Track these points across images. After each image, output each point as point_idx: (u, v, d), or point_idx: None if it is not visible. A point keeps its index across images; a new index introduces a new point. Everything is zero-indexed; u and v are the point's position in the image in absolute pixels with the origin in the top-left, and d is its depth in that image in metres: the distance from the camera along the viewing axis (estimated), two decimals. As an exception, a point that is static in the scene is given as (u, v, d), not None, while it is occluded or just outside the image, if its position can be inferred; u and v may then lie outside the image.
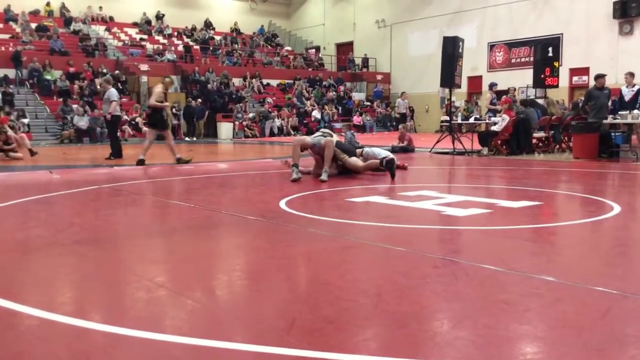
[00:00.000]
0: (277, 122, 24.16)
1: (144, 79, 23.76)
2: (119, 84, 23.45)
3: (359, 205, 5.87)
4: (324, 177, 7.67)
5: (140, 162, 10.61)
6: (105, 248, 4.14)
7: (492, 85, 15.75)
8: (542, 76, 14.00)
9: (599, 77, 11.93)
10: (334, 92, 28.65)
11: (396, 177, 8.01)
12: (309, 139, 8.31)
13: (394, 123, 25.48)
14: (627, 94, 11.74)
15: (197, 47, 29.26)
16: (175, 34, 30.13)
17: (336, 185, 7.40)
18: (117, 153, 12.56)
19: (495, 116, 13.76)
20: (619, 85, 12.48)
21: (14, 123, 18.03)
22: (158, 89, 10.92)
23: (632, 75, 11.76)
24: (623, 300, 2.78)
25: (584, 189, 7.36)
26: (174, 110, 22.28)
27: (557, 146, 13.26)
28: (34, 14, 26.71)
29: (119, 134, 20.71)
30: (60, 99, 20.97)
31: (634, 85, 11.74)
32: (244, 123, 23.56)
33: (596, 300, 2.79)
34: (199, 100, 23.38)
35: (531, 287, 2.98)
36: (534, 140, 13.01)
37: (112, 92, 12.51)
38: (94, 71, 23.35)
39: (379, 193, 6.62)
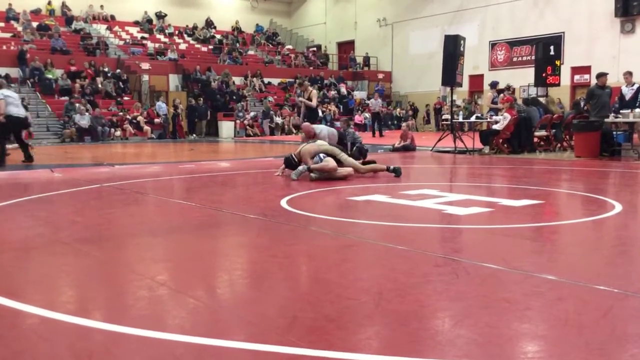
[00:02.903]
0: (279, 119, 24.14)
1: (145, 77, 23.77)
2: (120, 83, 23.50)
3: (360, 204, 5.87)
4: (293, 176, 7.75)
5: None
6: (106, 246, 4.15)
7: (494, 84, 15.75)
8: (544, 75, 13.99)
9: (601, 75, 11.91)
10: (336, 91, 28.64)
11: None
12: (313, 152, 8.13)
13: (395, 122, 25.46)
14: (627, 92, 11.72)
15: (198, 45, 29.31)
16: (177, 32, 30.16)
17: (337, 184, 7.40)
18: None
19: (497, 115, 13.76)
20: (620, 84, 12.45)
21: None
22: (314, 91, 12.21)
23: (630, 74, 11.74)
24: (624, 299, 2.78)
25: (586, 187, 7.35)
26: (178, 110, 22.34)
27: (559, 145, 13.24)
28: (35, 12, 26.72)
29: (119, 133, 20.81)
30: (62, 98, 21.04)
31: (633, 84, 11.71)
32: (245, 122, 23.57)
33: (598, 299, 2.79)
34: (201, 99, 23.39)
35: (532, 286, 2.98)
36: (536, 139, 13.00)
37: None
38: (96, 70, 23.36)
39: (380, 192, 6.62)
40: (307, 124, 9.95)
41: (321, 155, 7.82)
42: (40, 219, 5.32)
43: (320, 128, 9.62)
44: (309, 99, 11.90)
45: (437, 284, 3.07)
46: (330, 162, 7.73)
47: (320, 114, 25.42)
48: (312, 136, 9.10)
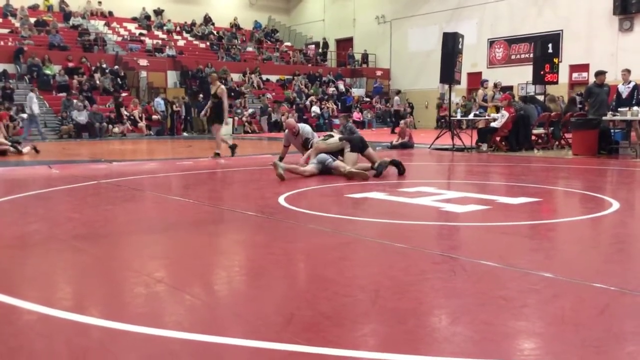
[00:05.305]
0: (276, 116, 24.11)
1: (143, 74, 23.72)
2: (118, 79, 23.45)
3: (358, 201, 5.87)
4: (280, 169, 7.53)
5: (231, 151, 11.64)
6: (104, 243, 4.14)
7: (483, 82, 15.76)
8: (542, 72, 13.99)
9: (599, 73, 11.90)
10: (334, 88, 28.62)
11: (396, 173, 8.08)
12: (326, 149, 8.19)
13: (393, 119, 25.54)
14: (624, 91, 11.72)
15: (196, 42, 29.26)
16: (177, 29, 30.11)
17: (335, 181, 7.40)
18: None
19: (485, 112, 13.92)
20: (619, 82, 12.43)
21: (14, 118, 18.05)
22: (223, 87, 11.69)
23: (628, 71, 11.74)
24: (621, 297, 2.79)
25: (583, 185, 7.36)
26: (175, 106, 22.30)
27: (557, 143, 13.25)
28: (33, 8, 26.66)
29: (117, 129, 20.78)
30: (60, 94, 20.99)
31: (629, 82, 11.72)
32: (244, 119, 23.54)
33: (594, 297, 2.80)
34: (201, 95, 23.34)
35: (529, 284, 2.99)
36: (533, 137, 13.01)
37: None
38: (92, 65, 23.29)
39: (378, 189, 6.62)
40: (291, 119, 10.05)
41: (330, 158, 7.92)
42: (38, 216, 5.31)
43: (303, 126, 9.62)
44: (216, 94, 11.43)
45: (434, 282, 3.07)
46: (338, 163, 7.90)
47: (318, 111, 25.58)
48: (296, 133, 9.19)
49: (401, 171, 8.04)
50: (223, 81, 25.05)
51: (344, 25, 32.55)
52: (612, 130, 11.48)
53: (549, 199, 6.28)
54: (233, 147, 11.78)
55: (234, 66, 27.12)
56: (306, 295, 2.89)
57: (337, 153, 8.15)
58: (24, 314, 2.66)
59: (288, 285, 3.14)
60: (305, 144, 9.06)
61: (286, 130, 9.64)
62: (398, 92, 25.47)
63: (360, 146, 8.14)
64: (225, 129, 23.05)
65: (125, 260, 3.70)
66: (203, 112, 12.00)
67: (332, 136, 8.47)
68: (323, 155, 8.01)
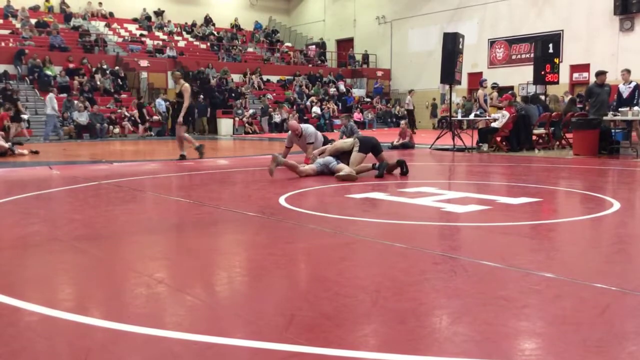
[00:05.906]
0: (277, 117, 24.10)
1: (144, 75, 23.74)
2: (119, 80, 23.47)
3: (359, 202, 5.87)
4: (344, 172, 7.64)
5: (183, 157, 11.14)
6: (105, 244, 4.14)
7: (482, 82, 15.75)
8: (543, 73, 14.00)
9: (600, 73, 11.90)
10: (335, 89, 28.63)
11: (396, 174, 8.07)
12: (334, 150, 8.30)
13: (394, 119, 25.54)
14: (625, 90, 11.72)
15: (197, 42, 29.29)
16: (177, 29, 30.14)
17: (336, 181, 7.40)
18: None
19: (484, 113, 13.92)
20: (619, 82, 12.44)
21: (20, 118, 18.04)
22: (186, 85, 11.40)
23: (628, 72, 11.74)
24: (622, 297, 2.79)
25: (584, 185, 7.35)
26: (176, 107, 22.28)
27: (557, 143, 13.25)
28: (34, 9, 26.70)
29: (118, 130, 20.80)
30: (61, 95, 20.99)
31: (630, 82, 11.71)
32: (244, 119, 23.54)
33: (595, 297, 2.80)
34: (201, 96, 23.32)
35: (530, 284, 2.99)
36: (534, 137, 13.01)
37: None
38: (92, 67, 23.30)
39: (379, 189, 6.62)
40: (293, 121, 10.05)
41: (334, 161, 7.95)
42: (39, 217, 5.31)
43: (306, 127, 9.63)
44: (181, 93, 11.24)
45: (435, 282, 3.07)
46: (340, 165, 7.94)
47: (319, 111, 25.57)
48: (299, 134, 9.19)
49: (404, 172, 8.05)
50: (223, 81, 25.14)
51: (345, 26, 32.57)
52: (612, 130, 11.49)
53: (550, 199, 6.28)
54: (200, 148, 11.31)
55: (234, 67, 27.15)
56: (307, 296, 2.90)
57: (349, 153, 8.21)
58: (25, 315, 2.66)
59: (289, 286, 3.14)
60: (325, 143, 9.12)
61: (289, 132, 9.63)
62: (410, 92, 25.50)
63: (367, 148, 8.19)
64: (226, 129, 23.11)
65: (127, 261, 3.70)
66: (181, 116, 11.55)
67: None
68: (329, 158, 8.06)
